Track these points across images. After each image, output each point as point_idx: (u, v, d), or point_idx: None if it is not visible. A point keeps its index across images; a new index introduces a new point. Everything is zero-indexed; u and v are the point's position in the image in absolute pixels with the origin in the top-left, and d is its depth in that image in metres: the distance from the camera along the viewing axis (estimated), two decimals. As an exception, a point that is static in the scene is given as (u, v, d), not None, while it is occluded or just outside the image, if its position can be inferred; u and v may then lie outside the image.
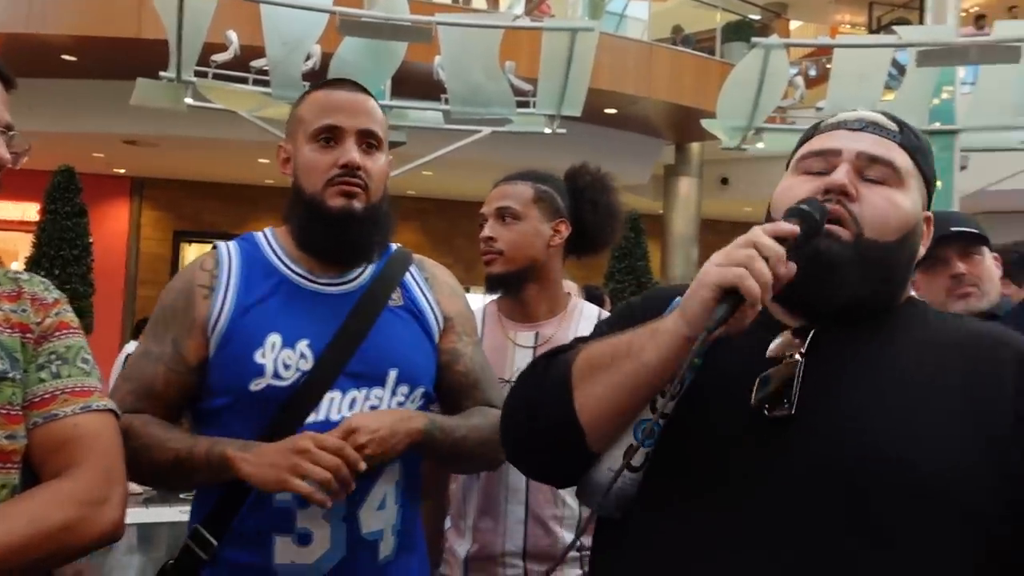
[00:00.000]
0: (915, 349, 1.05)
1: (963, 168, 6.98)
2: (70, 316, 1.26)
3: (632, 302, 1.25)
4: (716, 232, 14.78)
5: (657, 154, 12.06)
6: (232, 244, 1.53)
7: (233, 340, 1.42)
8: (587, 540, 1.84)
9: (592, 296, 4.26)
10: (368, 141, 1.49)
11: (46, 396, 1.17)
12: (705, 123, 7.17)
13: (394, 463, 1.46)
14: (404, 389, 1.48)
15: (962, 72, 7.43)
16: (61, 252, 8.56)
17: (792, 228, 0.98)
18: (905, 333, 1.07)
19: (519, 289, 1.92)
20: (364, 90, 1.54)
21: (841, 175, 1.06)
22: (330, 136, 1.46)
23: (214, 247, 1.53)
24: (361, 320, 1.46)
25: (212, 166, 11.63)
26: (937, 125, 6.95)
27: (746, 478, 1.00)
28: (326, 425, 1.40)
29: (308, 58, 6.27)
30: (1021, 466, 0.97)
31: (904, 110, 6.87)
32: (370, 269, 1.53)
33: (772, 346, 1.05)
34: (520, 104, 6.65)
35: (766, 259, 0.94)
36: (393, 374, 1.47)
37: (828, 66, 8.49)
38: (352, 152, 1.45)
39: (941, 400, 1.00)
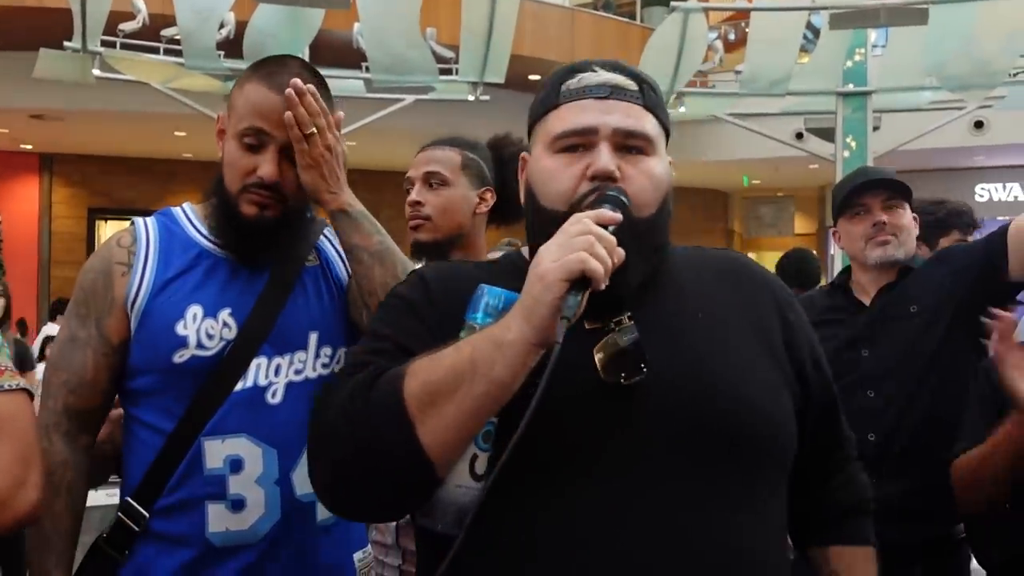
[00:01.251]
0: (699, 288, 1.14)
1: (876, 129, 7.21)
2: None
3: (406, 295, 1.13)
4: (641, 196, 14.92)
5: (581, 120, 12.08)
6: (150, 220, 1.50)
7: (153, 315, 1.41)
8: None
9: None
10: (292, 153, 1.42)
11: None
12: (627, 88, 7.20)
13: None
14: (327, 351, 1.49)
15: (873, 35, 7.64)
16: (-34, 233, 8.20)
17: (616, 216, 0.98)
18: (679, 274, 1.14)
19: (444, 257, 1.90)
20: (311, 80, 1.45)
21: (605, 159, 1.05)
22: (253, 142, 1.41)
23: (132, 223, 1.50)
24: (280, 286, 1.46)
25: (126, 140, 11.24)
26: (851, 87, 7.15)
27: (620, 447, 1.01)
28: (254, 391, 1.41)
29: (222, 26, 6.10)
30: (795, 386, 1.13)
31: (819, 72, 7.05)
32: None
33: (587, 322, 1.02)
34: (442, 71, 6.59)
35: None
36: (314, 337, 1.48)
37: (747, 30, 8.62)
38: (269, 165, 1.40)
39: (743, 334, 1.11)
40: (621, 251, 0.96)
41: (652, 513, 1.00)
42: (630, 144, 1.08)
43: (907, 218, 2.20)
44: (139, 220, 1.49)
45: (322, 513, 1.46)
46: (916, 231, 2.25)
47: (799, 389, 1.14)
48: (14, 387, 1.18)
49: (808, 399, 1.15)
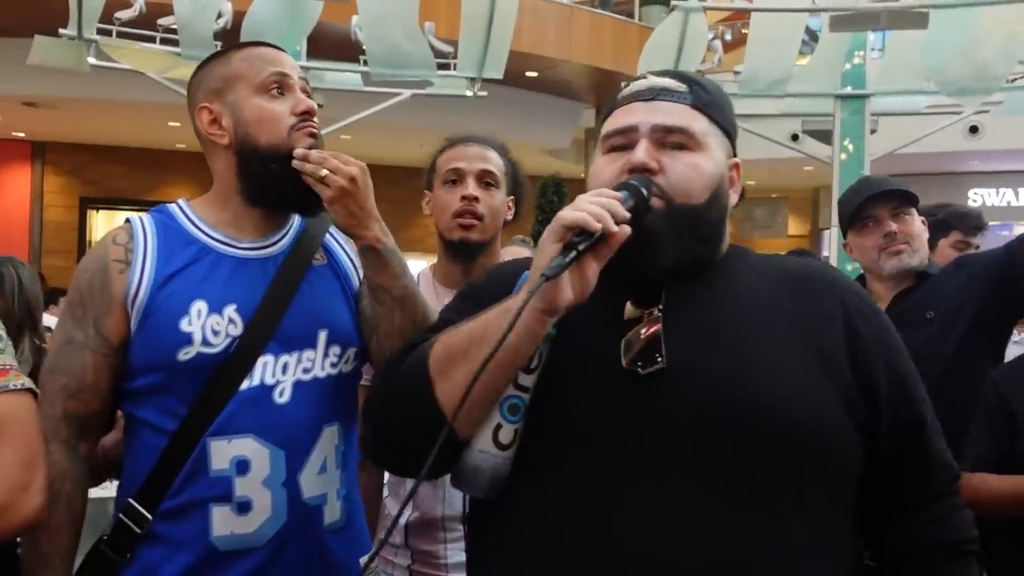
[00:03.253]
0: (752, 291, 1.13)
1: (873, 132, 7.20)
2: None
3: (475, 283, 1.25)
4: (636, 195, 14.91)
5: (578, 117, 12.08)
6: (146, 216, 1.46)
7: (155, 312, 1.37)
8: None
9: None
10: (305, 88, 1.49)
11: None
12: (626, 86, 7.18)
13: (332, 425, 1.44)
14: (336, 350, 1.46)
15: (872, 38, 7.63)
16: (-42, 220, 8.14)
17: (614, 193, 1.03)
18: (738, 277, 1.15)
19: (474, 259, 1.88)
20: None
21: (641, 154, 1.10)
22: (280, 86, 1.45)
23: (127, 221, 1.47)
24: (288, 281, 1.43)
25: (119, 129, 11.17)
26: (849, 89, 7.13)
27: (629, 435, 1.04)
28: (261, 390, 1.38)
29: (219, 16, 6.04)
30: (859, 399, 1.08)
31: (817, 74, 7.03)
32: (292, 231, 1.50)
33: (628, 310, 1.10)
34: (441, 66, 6.55)
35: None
36: (323, 335, 1.45)
37: (744, 31, 8.59)
38: (305, 100, 1.46)
39: (788, 338, 1.09)
40: (627, 228, 0.99)
41: (652, 503, 1.00)
42: (672, 140, 1.12)
43: (917, 224, 2.20)
44: (135, 217, 1.46)
45: (329, 516, 1.43)
46: (926, 236, 2.24)
47: (865, 403, 1.09)
48: (18, 387, 1.14)
49: (879, 415, 1.09)
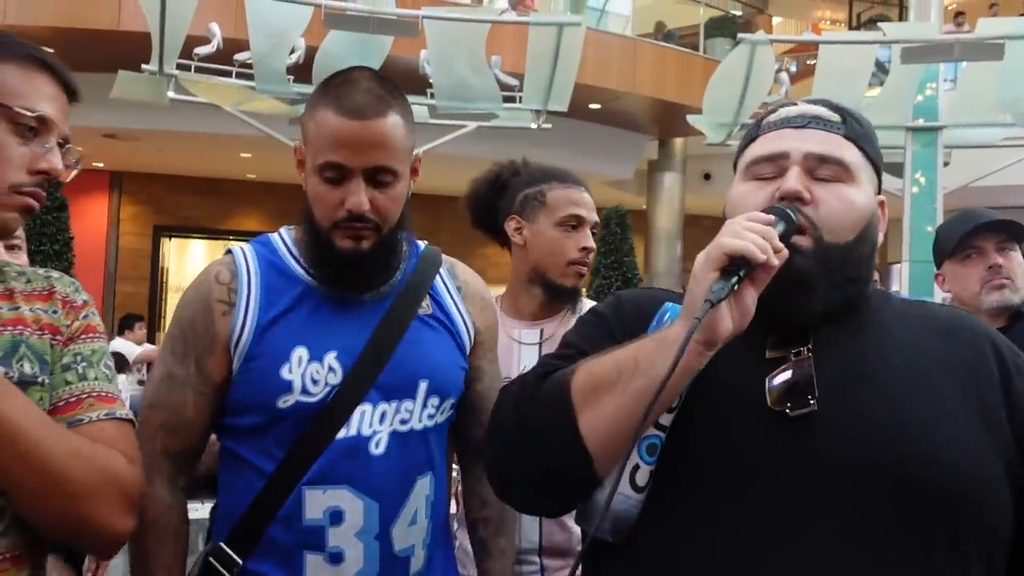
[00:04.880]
0: (904, 337, 1.06)
1: (946, 164, 7.03)
2: (97, 320, 1.22)
3: (601, 311, 1.17)
4: (700, 227, 14.81)
5: (641, 149, 12.06)
6: (248, 249, 1.42)
7: (257, 356, 1.35)
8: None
9: None
10: (378, 178, 1.35)
11: (72, 399, 1.13)
12: (691, 119, 7.17)
13: (425, 476, 1.41)
14: (435, 401, 1.42)
15: (944, 69, 7.48)
16: (42, 247, 8.43)
17: (768, 217, 0.97)
18: (887, 322, 1.08)
19: (576, 305, 1.95)
20: (385, 100, 1.36)
21: (794, 181, 1.03)
22: (335, 175, 1.34)
23: (228, 252, 1.43)
24: (391, 330, 1.39)
25: (193, 160, 11.52)
26: (920, 122, 6.99)
27: (776, 479, 0.97)
28: (357, 440, 1.35)
29: (292, 51, 6.23)
30: (1016, 459, 1.01)
31: (888, 106, 6.91)
32: (399, 274, 1.45)
33: (770, 349, 1.03)
34: (506, 99, 6.63)
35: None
36: (424, 385, 1.41)
37: (809, 62, 8.51)
38: (358, 195, 1.33)
39: (946, 389, 1.02)
40: (784, 252, 0.94)
41: (801, 554, 0.94)
42: (825, 170, 1.06)
43: (1019, 262, 2.11)
44: (237, 251, 1.42)
45: (415, 566, 1.40)
46: None
47: (1021, 462, 1.01)
48: (124, 416, 1.17)
49: None
